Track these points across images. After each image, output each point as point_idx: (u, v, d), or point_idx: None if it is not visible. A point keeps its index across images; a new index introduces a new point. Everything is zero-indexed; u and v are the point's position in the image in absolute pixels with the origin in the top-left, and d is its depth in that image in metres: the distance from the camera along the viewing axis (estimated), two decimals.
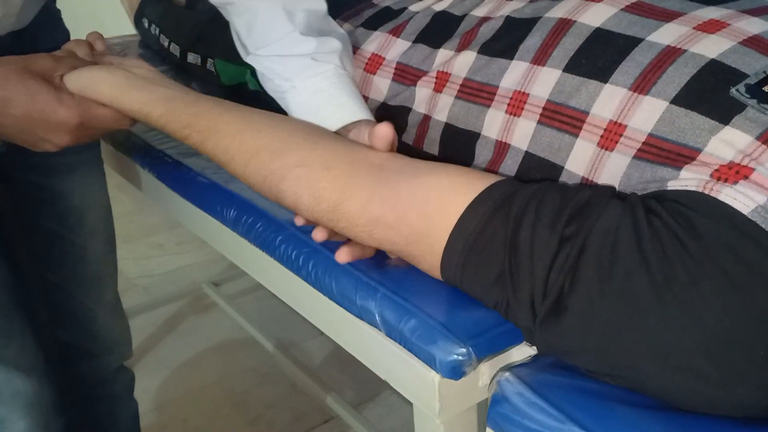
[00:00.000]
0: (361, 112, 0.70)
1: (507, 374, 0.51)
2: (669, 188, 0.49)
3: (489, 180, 0.53)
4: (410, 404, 0.59)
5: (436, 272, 0.55)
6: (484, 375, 0.56)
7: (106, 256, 0.99)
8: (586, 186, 0.56)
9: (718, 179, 0.47)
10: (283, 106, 0.75)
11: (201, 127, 0.64)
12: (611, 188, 0.53)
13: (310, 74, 0.72)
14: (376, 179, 0.56)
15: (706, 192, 0.47)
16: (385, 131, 0.60)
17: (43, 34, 0.86)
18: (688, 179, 0.49)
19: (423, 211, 0.53)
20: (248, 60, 0.78)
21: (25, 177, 0.88)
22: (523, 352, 0.55)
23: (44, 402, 0.82)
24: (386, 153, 0.61)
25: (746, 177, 0.47)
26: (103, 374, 1.02)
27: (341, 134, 0.68)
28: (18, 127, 0.66)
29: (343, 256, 0.60)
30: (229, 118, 0.64)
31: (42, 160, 0.88)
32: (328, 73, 0.72)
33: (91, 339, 0.99)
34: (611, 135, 0.55)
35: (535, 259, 0.48)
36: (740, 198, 0.46)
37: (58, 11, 0.93)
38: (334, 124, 0.69)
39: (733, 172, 0.47)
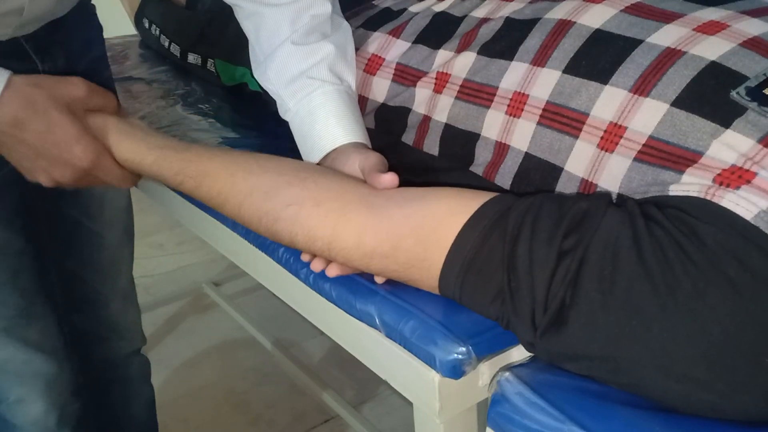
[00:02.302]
0: (344, 137, 0.68)
1: (507, 374, 0.52)
2: (671, 193, 0.49)
3: (483, 198, 0.53)
4: (410, 404, 0.59)
5: (436, 292, 0.55)
6: (484, 375, 0.56)
7: (123, 245, 1.00)
8: (582, 196, 0.56)
9: (721, 184, 0.47)
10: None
11: (193, 173, 0.64)
12: (608, 196, 0.52)
13: (300, 96, 0.71)
14: (367, 211, 0.56)
15: (708, 198, 0.47)
16: (389, 181, 0.59)
17: (77, 29, 0.86)
18: (691, 184, 0.49)
19: (418, 237, 0.53)
20: (257, 78, 0.78)
21: None
22: (523, 351, 0.55)
23: (63, 384, 0.83)
24: None
25: (749, 181, 0.46)
26: (115, 359, 1.03)
27: (331, 159, 0.68)
28: (23, 153, 0.65)
29: (333, 270, 0.60)
30: (220, 161, 0.64)
31: None
32: (315, 94, 0.71)
33: (102, 324, 1.00)
34: (611, 137, 0.55)
35: (534, 274, 0.47)
36: (743, 203, 0.45)
37: (93, 6, 0.94)
38: (319, 152, 0.69)
39: (736, 177, 0.47)
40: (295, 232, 0.58)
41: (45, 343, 0.81)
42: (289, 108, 0.73)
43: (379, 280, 0.61)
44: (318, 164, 0.69)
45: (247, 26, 0.78)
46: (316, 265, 0.61)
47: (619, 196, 0.54)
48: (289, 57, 0.72)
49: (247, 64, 0.95)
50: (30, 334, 0.79)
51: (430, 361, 0.54)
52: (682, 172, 0.50)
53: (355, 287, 0.61)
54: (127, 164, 0.68)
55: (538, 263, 0.47)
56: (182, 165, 0.65)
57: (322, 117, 0.70)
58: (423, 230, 0.53)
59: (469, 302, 0.53)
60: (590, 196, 0.55)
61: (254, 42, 0.77)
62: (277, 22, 0.73)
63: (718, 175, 0.48)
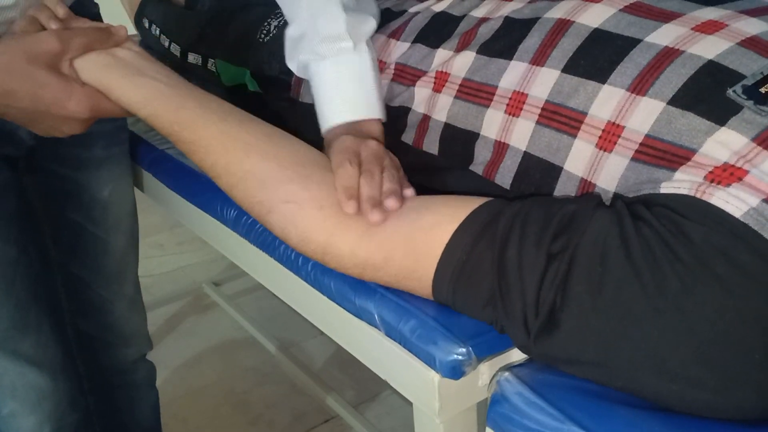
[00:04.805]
0: (366, 111, 0.68)
1: (507, 374, 0.52)
2: (661, 190, 0.49)
3: (472, 205, 0.53)
4: (410, 404, 0.59)
5: (430, 299, 0.55)
6: (483, 375, 0.56)
7: (128, 250, 0.99)
8: (571, 198, 0.56)
9: (712, 181, 0.47)
10: (303, 75, 0.73)
11: (186, 139, 0.62)
12: (597, 197, 0.53)
13: (342, 58, 0.70)
14: (363, 222, 0.56)
15: (698, 195, 0.47)
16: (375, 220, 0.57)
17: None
18: (682, 181, 0.49)
19: (408, 250, 0.53)
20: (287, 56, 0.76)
21: (55, 169, 0.88)
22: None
23: (58, 397, 0.82)
24: None
25: (740, 179, 0.46)
26: (121, 365, 1.03)
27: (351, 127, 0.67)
28: (26, 117, 0.64)
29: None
30: (215, 133, 0.61)
31: (72, 154, 0.88)
32: (352, 61, 0.70)
33: (108, 330, 0.99)
34: (609, 136, 0.55)
35: (524, 277, 0.48)
36: (732, 201, 0.45)
37: (97, 6, 0.94)
38: (338, 118, 0.68)
39: (727, 174, 0.47)
40: (289, 230, 0.58)
41: (39, 355, 0.80)
42: (324, 57, 0.70)
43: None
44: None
45: None
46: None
47: (613, 195, 0.54)
48: (335, 15, 0.71)
49: (247, 65, 0.94)
50: (23, 347, 0.78)
51: (430, 361, 0.54)
52: (675, 170, 0.50)
53: (355, 284, 0.61)
54: (125, 112, 0.65)
55: (527, 267, 0.48)
56: (174, 129, 0.62)
57: (354, 85, 0.69)
58: (412, 242, 0.54)
59: (462, 308, 0.53)
60: (579, 197, 0.55)
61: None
62: None
63: (710, 172, 0.48)
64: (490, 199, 0.54)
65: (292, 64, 0.76)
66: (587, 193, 0.55)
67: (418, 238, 0.53)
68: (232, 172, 0.60)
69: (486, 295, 0.50)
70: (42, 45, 0.62)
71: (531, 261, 0.47)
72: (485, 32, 0.68)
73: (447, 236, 0.52)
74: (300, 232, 0.57)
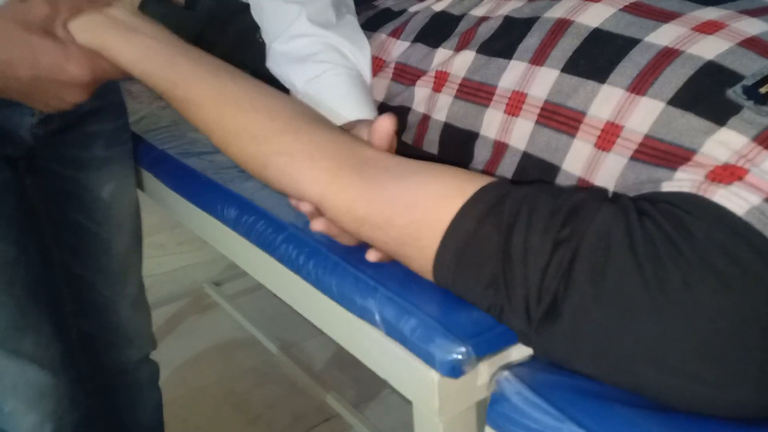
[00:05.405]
0: (364, 112, 0.68)
1: (506, 373, 0.52)
2: (663, 189, 0.49)
3: (479, 182, 0.53)
4: (410, 403, 0.59)
5: (427, 275, 0.55)
6: (483, 374, 0.56)
7: (131, 250, 0.99)
8: (578, 188, 0.56)
9: (713, 180, 0.47)
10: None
11: (178, 97, 0.62)
12: (604, 191, 0.53)
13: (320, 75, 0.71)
14: (361, 177, 0.56)
15: (700, 193, 0.47)
16: (384, 126, 0.58)
17: None
18: (683, 180, 0.49)
19: (411, 217, 0.53)
20: (269, 66, 0.77)
21: (55, 169, 0.88)
22: (522, 351, 0.55)
23: (59, 395, 0.82)
24: (373, 148, 0.60)
25: (741, 178, 0.47)
26: (124, 365, 1.02)
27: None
28: (27, 89, 0.63)
29: (318, 224, 0.59)
30: (206, 89, 0.61)
31: (72, 154, 0.88)
32: (335, 70, 0.70)
33: (111, 330, 0.99)
34: (608, 136, 0.55)
35: (529, 264, 0.48)
36: (734, 199, 0.46)
37: None
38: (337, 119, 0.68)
39: (728, 173, 0.47)
40: (285, 182, 0.58)
41: (39, 354, 0.80)
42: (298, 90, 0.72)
43: (371, 257, 0.60)
44: None
45: (254, 13, 0.78)
46: (305, 207, 0.59)
47: (614, 194, 0.54)
48: (302, 35, 0.71)
49: (246, 65, 0.95)
50: (23, 346, 0.79)
51: (429, 360, 0.54)
52: (675, 169, 0.50)
53: (356, 283, 0.61)
54: (123, 73, 0.64)
55: (532, 253, 0.48)
56: (166, 86, 0.62)
57: (349, 87, 0.70)
58: (417, 210, 0.53)
59: (462, 289, 0.53)
60: (586, 189, 0.55)
61: (261, 29, 0.77)
62: (275, 8, 0.73)
63: (711, 171, 0.48)
64: (496, 180, 0.54)
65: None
66: (594, 187, 0.55)
67: (422, 206, 0.53)
68: (224, 127, 0.60)
69: (488, 278, 0.50)
70: (32, 10, 0.61)
71: (537, 248, 0.47)
72: (485, 31, 0.68)
73: (454, 210, 0.51)
74: (294, 185, 0.57)
